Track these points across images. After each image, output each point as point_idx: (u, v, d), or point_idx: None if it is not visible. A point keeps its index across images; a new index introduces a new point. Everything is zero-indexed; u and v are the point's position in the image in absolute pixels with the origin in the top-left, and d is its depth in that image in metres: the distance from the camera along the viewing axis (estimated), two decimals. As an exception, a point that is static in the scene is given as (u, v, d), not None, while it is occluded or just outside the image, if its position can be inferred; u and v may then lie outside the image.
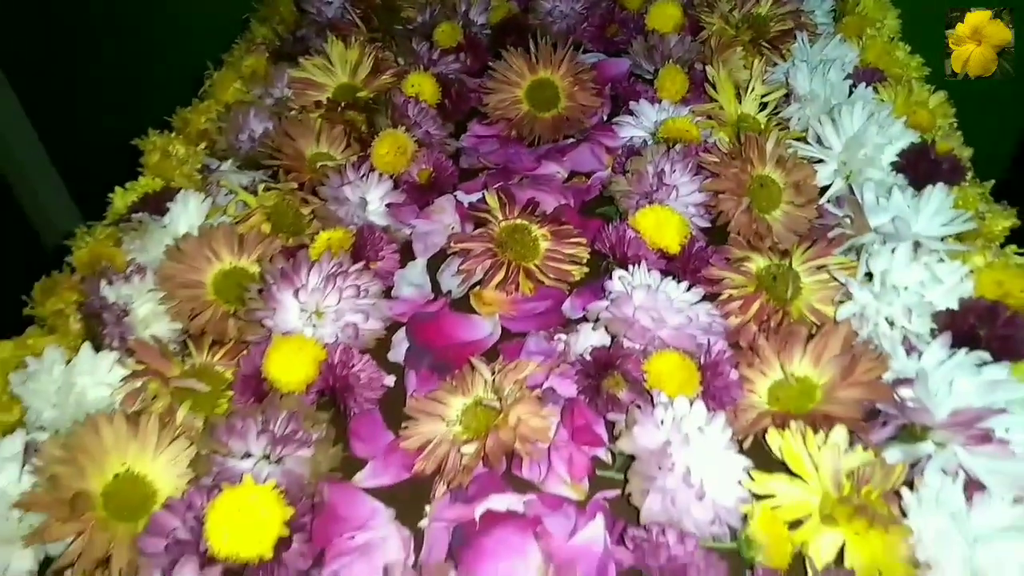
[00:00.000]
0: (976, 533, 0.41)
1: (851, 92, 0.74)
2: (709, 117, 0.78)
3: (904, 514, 0.43)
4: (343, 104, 0.82)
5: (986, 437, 0.45)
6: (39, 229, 1.40)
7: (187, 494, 0.49)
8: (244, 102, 0.85)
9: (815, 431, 0.48)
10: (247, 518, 0.46)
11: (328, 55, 0.85)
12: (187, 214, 0.68)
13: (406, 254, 0.71)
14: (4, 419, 0.56)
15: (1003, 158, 1.50)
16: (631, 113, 0.80)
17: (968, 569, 0.39)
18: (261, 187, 0.73)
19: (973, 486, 0.45)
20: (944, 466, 0.45)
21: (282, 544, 0.47)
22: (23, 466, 0.51)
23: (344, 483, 0.53)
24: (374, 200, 0.73)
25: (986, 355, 0.49)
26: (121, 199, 0.72)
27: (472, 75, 0.92)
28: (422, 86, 0.84)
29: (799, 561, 0.45)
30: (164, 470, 0.52)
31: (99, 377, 0.57)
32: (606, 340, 0.59)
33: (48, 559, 0.50)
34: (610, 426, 0.54)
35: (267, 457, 0.52)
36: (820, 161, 0.70)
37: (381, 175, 0.74)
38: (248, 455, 0.52)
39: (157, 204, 0.70)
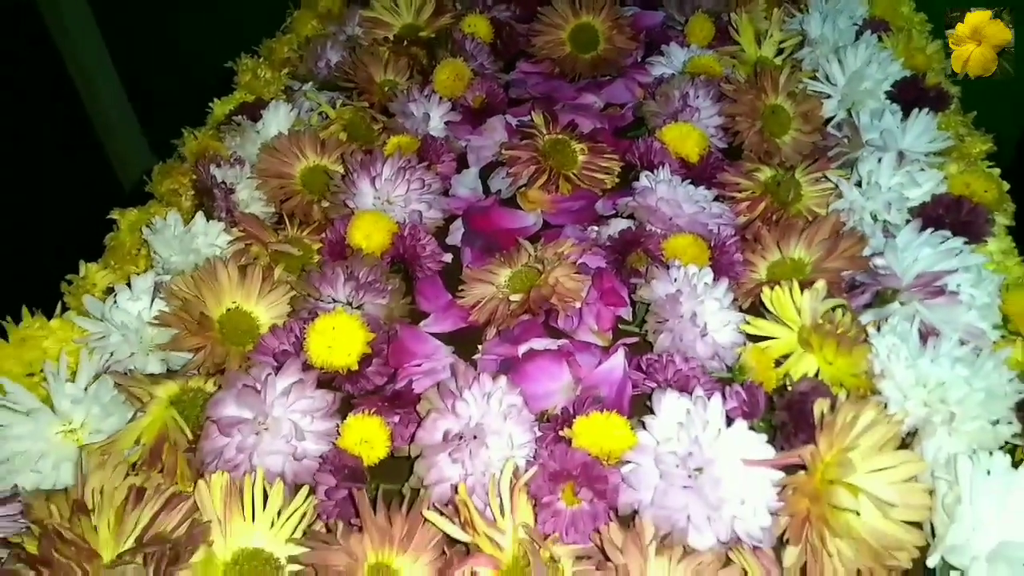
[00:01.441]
0: (926, 356, 0.51)
1: (857, 37, 0.83)
2: (732, 57, 0.88)
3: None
4: (407, 40, 0.94)
5: (940, 291, 0.55)
6: (113, 159, 1.52)
7: (287, 323, 0.61)
8: (321, 35, 0.97)
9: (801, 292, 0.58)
10: (339, 335, 0.57)
11: (395, -2, 0.96)
12: (278, 120, 0.80)
13: (461, 164, 0.82)
14: (133, 269, 0.69)
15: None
16: (662, 54, 0.90)
17: (913, 375, 0.49)
18: (338, 103, 0.85)
19: (929, 334, 0.55)
20: (905, 316, 0.55)
21: (364, 361, 0.58)
22: (152, 298, 0.63)
23: (412, 326, 0.65)
24: (435, 117, 0.84)
25: (948, 233, 0.59)
26: (220, 108, 0.85)
27: (521, 22, 1.02)
28: (477, 26, 0.95)
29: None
30: (265, 311, 0.64)
31: (211, 239, 0.69)
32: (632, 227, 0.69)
33: (170, 370, 0.62)
34: (632, 291, 0.65)
35: (350, 303, 0.63)
36: (828, 97, 0.80)
37: (441, 98, 0.86)
38: (334, 300, 0.63)
39: (252, 111, 0.81)
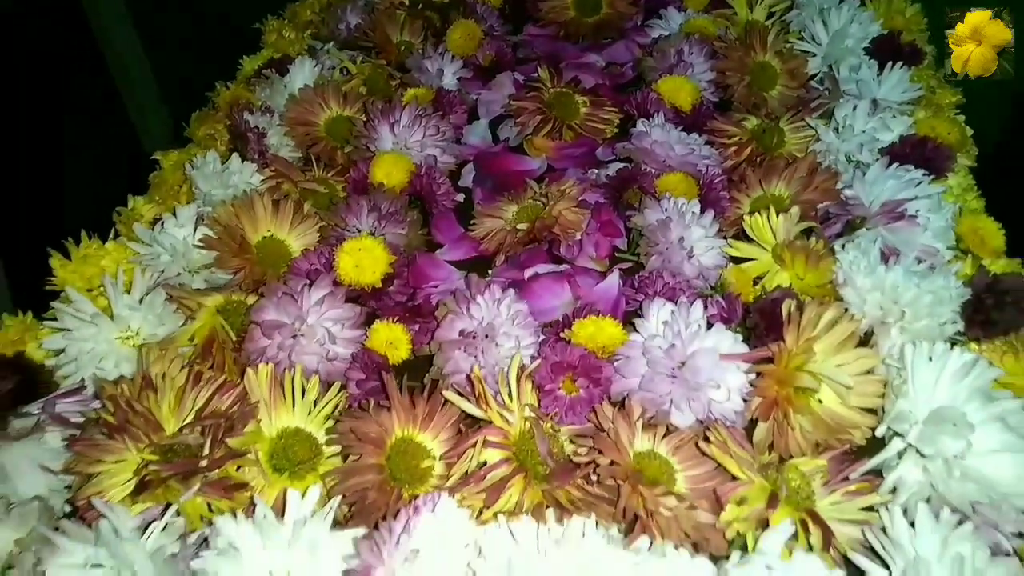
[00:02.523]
0: (889, 271, 0.57)
1: (841, 0, 0.89)
2: (726, 20, 0.94)
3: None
4: (422, 4, 1.00)
5: (900, 215, 0.61)
6: (137, 126, 1.59)
7: (318, 248, 0.68)
8: (342, 0, 1.03)
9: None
10: (365, 256, 0.64)
11: (410, -35, 1.03)
12: (303, 74, 0.87)
13: (472, 116, 0.89)
14: (175, 203, 0.76)
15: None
16: (660, 17, 0.97)
17: (871, 282, 0.56)
18: (358, 60, 0.92)
19: (890, 255, 0.62)
20: (870, 238, 0.62)
21: (387, 280, 0.65)
22: (195, 226, 0.70)
23: (429, 253, 0.72)
24: (448, 73, 0.91)
25: (911, 167, 0.65)
26: (249, 64, 0.92)
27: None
28: (488, -9, 1.02)
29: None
30: (296, 239, 0.71)
31: (245, 177, 0.76)
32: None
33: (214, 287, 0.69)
34: (627, 222, 0.71)
35: (372, 233, 0.70)
36: (812, 55, 0.86)
37: (453, 56, 0.92)
38: (359, 229, 0.70)
39: (279, 66, 0.88)
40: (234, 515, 0.46)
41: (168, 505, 0.49)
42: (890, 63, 0.77)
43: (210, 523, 0.48)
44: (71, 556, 0.46)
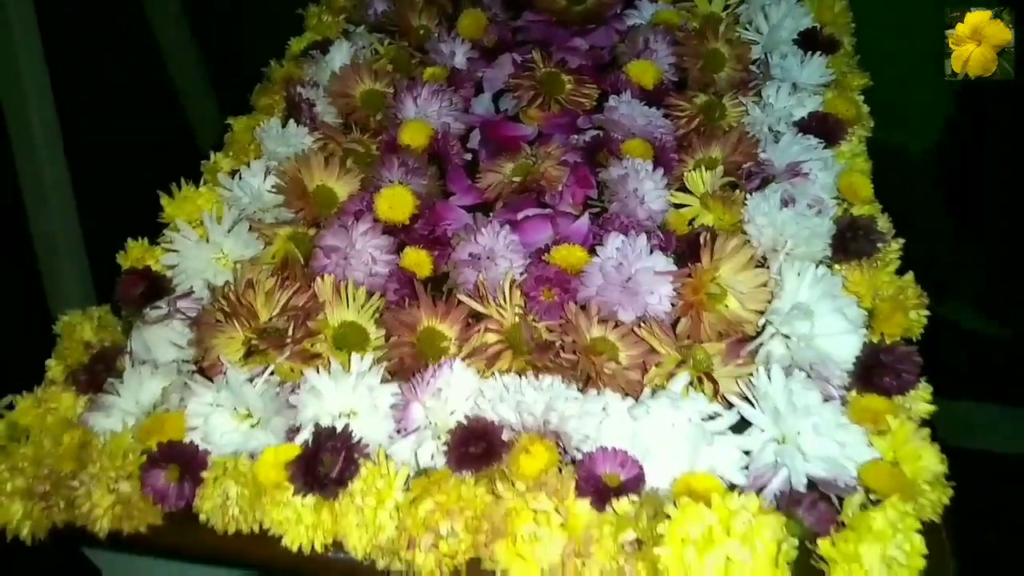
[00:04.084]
0: (780, 213, 0.79)
1: (781, -3, 1.09)
2: (688, 11, 1.14)
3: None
4: (436, -8, 1.20)
5: (797, 173, 0.82)
6: (192, 120, 1.78)
7: (360, 195, 0.89)
8: (369, -12, 1.23)
9: (711, 176, 0.86)
10: (397, 199, 0.85)
11: (426, -42, 1.22)
12: (341, 54, 1.07)
13: (478, 90, 1.09)
14: (245, 157, 0.96)
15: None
16: (635, 8, 1.16)
17: (767, 220, 0.77)
18: (385, 42, 1.12)
19: (789, 202, 0.82)
20: (773, 190, 0.83)
21: (413, 219, 0.86)
22: (265, 176, 0.90)
23: (444, 200, 0.93)
24: (459, 54, 1.11)
25: (812, 137, 0.86)
26: (296, 44, 1.12)
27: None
28: (492, -17, 1.21)
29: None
30: (342, 187, 0.92)
31: (300, 139, 0.96)
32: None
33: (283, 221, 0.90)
34: (597, 177, 0.92)
35: (401, 182, 0.91)
36: (755, 43, 1.06)
37: (463, 39, 1.12)
38: (390, 180, 0.91)
39: (322, 47, 1.08)
40: (317, 370, 0.68)
41: (267, 367, 0.71)
42: (811, 52, 0.97)
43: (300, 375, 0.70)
44: (203, 398, 0.69)
